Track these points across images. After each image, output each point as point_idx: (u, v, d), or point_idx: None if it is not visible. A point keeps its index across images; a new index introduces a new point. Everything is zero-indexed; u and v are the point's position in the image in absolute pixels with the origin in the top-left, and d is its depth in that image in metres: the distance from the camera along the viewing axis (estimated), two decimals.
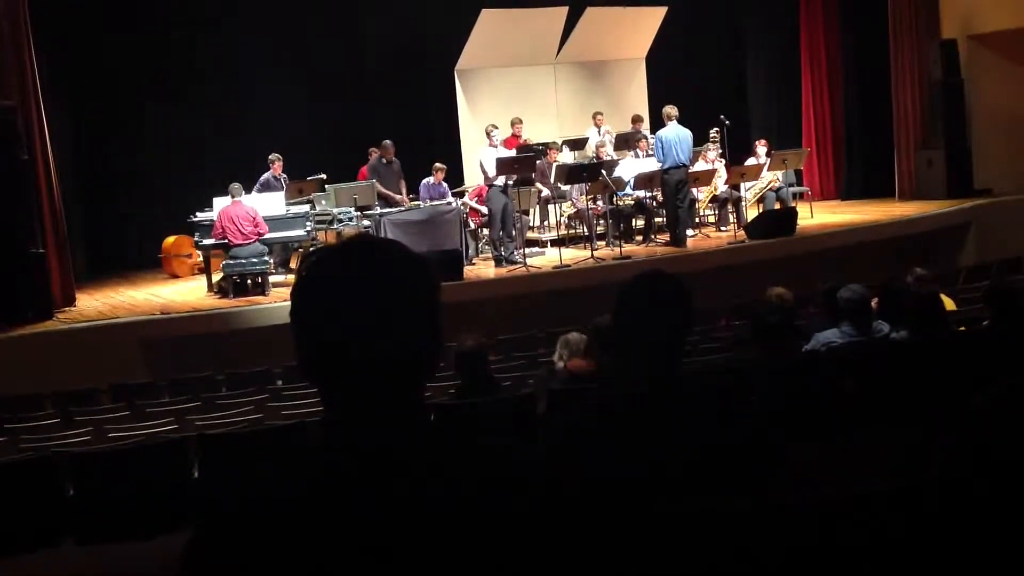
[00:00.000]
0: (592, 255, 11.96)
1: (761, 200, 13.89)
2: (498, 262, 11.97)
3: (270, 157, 12.78)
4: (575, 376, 5.57)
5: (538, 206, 13.68)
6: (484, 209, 12.35)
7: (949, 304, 6.67)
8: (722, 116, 13.39)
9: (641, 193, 12.89)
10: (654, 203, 12.94)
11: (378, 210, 11.82)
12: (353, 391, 1.37)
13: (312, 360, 1.39)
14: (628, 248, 12.37)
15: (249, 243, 10.96)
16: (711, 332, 8.56)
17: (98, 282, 13.12)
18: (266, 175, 12.71)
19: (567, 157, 13.82)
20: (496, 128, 12.35)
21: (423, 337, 1.39)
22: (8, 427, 6.69)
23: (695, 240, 12.85)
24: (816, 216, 14.24)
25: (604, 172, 12.13)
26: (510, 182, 11.75)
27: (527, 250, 12.33)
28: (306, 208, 12.00)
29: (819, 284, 7.35)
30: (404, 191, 12.69)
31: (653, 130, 13.26)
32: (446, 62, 14.76)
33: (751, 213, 13.61)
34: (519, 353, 8.43)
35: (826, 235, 13.01)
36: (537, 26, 14.71)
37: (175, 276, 13.33)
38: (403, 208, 12.19)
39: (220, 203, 11.31)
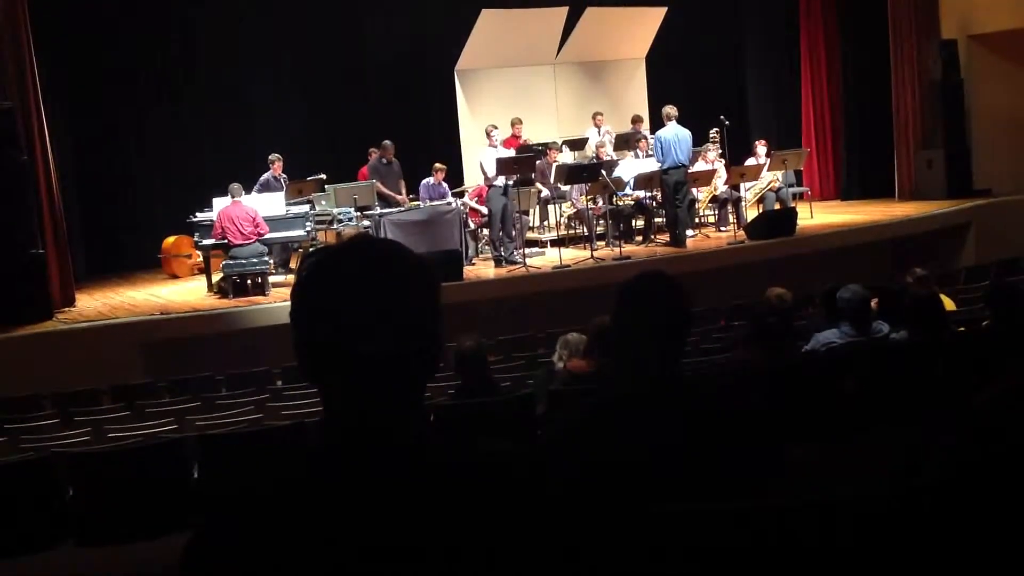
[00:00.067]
0: (592, 255, 11.96)
1: (761, 200, 13.89)
2: (498, 262, 11.97)
3: (270, 157, 12.79)
4: (575, 376, 5.58)
5: (538, 206, 13.68)
6: (484, 209, 12.35)
7: (949, 304, 6.67)
8: (722, 116, 13.39)
9: (641, 193, 12.90)
10: (654, 203, 12.95)
11: (378, 210, 11.82)
12: (353, 391, 1.37)
13: (312, 360, 1.39)
14: (628, 248, 12.37)
15: (249, 243, 10.97)
16: (711, 332, 8.56)
17: (98, 282, 13.12)
18: (266, 175, 12.71)
19: (567, 157, 13.82)
20: (496, 128, 12.35)
21: (423, 337, 1.39)
22: (8, 427, 6.69)
23: (695, 240, 12.85)
24: (816, 216, 14.24)
25: (604, 172, 12.13)
26: (510, 182, 11.75)
27: (527, 250, 12.33)
28: (306, 208, 12.00)
29: (819, 284, 7.36)
30: (404, 191, 12.69)
31: (653, 130, 13.26)
32: (446, 62, 14.76)
33: (751, 213, 13.62)
34: (519, 353, 8.44)
35: (826, 235, 13.01)
36: (537, 26, 14.71)
37: (175, 276, 13.33)
38: (403, 208, 12.19)
39: (220, 203, 11.32)
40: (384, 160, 12.65)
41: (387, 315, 1.36)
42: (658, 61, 16.32)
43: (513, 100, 14.59)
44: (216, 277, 11.49)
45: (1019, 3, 14.18)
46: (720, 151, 13.59)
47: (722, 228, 13.49)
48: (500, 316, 10.50)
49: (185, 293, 11.90)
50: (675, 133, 11.84)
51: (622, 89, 16.01)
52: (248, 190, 11.85)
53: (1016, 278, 8.77)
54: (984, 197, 14.45)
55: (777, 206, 13.67)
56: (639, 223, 13.49)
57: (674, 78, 16.27)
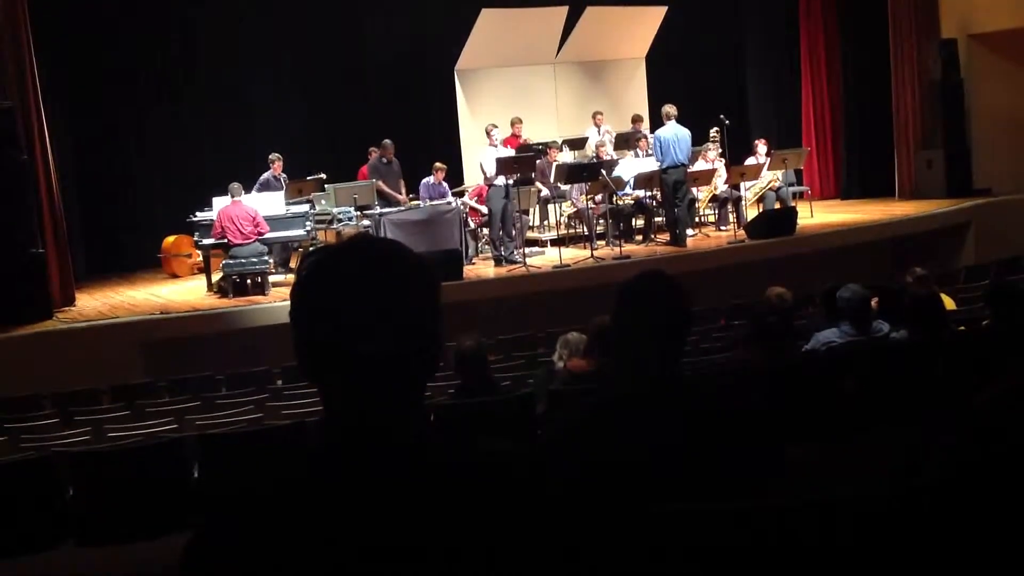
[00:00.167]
0: (592, 255, 11.96)
1: (761, 200, 13.89)
2: (498, 262, 11.97)
3: (270, 157, 12.79)
4: (575, 376, 5.58)
5: (538, 206, 13.68)
6: (484, 209, 12.35)
7: (949, 304, 6.67)
8: (722, 116, 13.40)
9: (641, 193, 12.90)
10: (654, 203, 12.95)
11: (378, 210, 11.82)
12: (353, 391, 1.37)
13: (312, 360, 1.39)
14: (628, 248, 12.37)
15: (249, 243, 10.96)
16: (711, 332, 8.56)
17: (98, 282, 13.12)
18: (266, 175, 12.71)
19: (567, 157, 13.82)
20: (496, 127, 12.36)
21: (423, 337, 1.39)
22: (8, 427, 6.69)
23: (695, 240, 12.85)
24: (816, 216, 14.25)
25: (604, 172, 12.13)
26: (510, 182, 11.75)
27: (527, 250, 12.33)
28: (306, 208, 12.00)
29: (819, 284, 7.36)
30: (404, 191, 12.69)
31: (653, 130, 13.25)
32: (446, 62, 14.76)
33: (751, 213, 13.62)
34: (519, 353, 8.44)
35: (826, 235, 13.01)
36: (537, 26, 14.71)
37: (175, 276, 13.33)
38: (403, 208, 12.19)
39: (220, 203, 11.32)
40: (384, 159, 12.65)
41: (387, 315, 1.36)
42: (658, 60, 16.32)
43: (513, 100, 14.59)
44: (216, 277, 11.49)
45: (1019, 3, 14.18)
46: (720, 150, 13.59)
47: (722, 227, 13.48)
48: (500, 315, 10.50)
49: (185, 293, 11.90)
50: (674, 132, 11.84)
51: (622, 88, 16.01)
52: (248, 189, 11.85)
53: (1016, 277, 8.77)
54: (984, 196, 14.45)
55: (777, 205, 13.67)
56: (639, 222, 13.49)
57: (674, 77, 16.27)
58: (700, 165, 13.25)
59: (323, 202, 11.96)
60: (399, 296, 1.37)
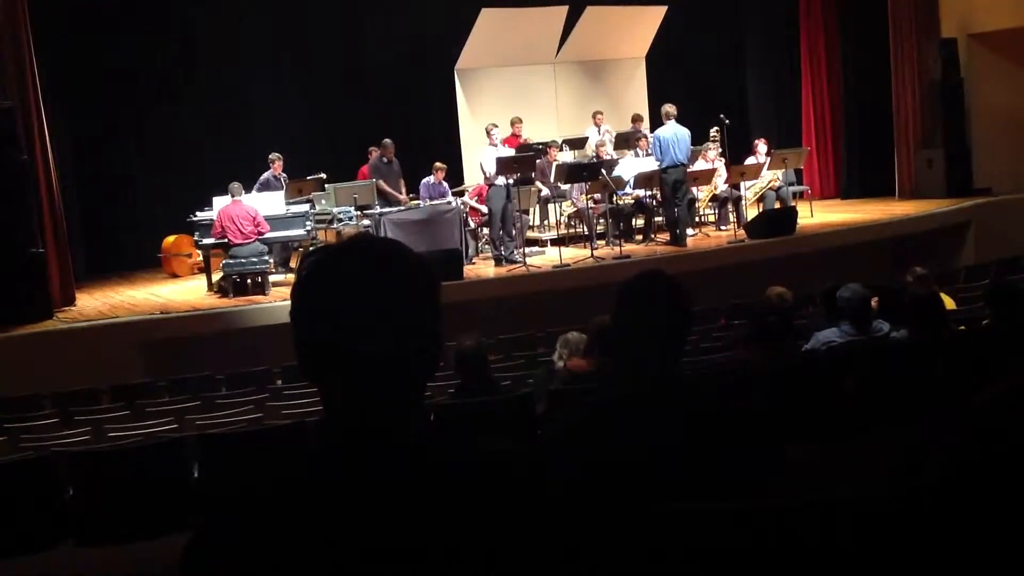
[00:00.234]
0: (592, 254, 11.96)
1: (761, 199, 13.89)
2: (498, 261, 11.97)
3: (270, 156, 12.79)
4: (575, 375, 5.58)
5: (538, 205, 13.68)
6: (484, 208, 12.35)
7: (949, 303, 6.68)
8: (722, 115, 13.40)
9: (641, 192, 12.90)
10: (654, 202, 12.95)
11: (378, 209, 11.82)
12: (353, 391, 1.37)
13: (312, 360, 1.39)
14: (628, 247, 12.37)
15: (249, 242, 10.96)
16: (711, 331, 8.56)
17: (98, 282, 13.13)
18: (266, 174, 12.71)
19: (567, 156, 13.82)
20: (496, 127, 12.36)
21: (423, 337, 1.39)
22: (8, 427, 6.69)
23: (695, 239, 12.85)
24: (816, 215, 14.25)
25: (604, 171, 12.13)
26: (510, 181, 11.75)
27: (527, 249, 12.33)
28: (306, 207, 12.00)
29: (819, 283, 7.36)
30: (404, 190, 12.69)
31: (653, 129, 13.25)
32: (446, 62, 14.76)
33: (751, 212, 13.62)
34: (519, 353, 8.44)
35: (826, 234, 13.02)
36: (537, 25, 14.71)
37: (175, 276, 13.33)
38: (403, 207, 12.19)
39: (220, 202, 11.32)
40: (384, 159, 12.65)
41: (387, 314, 1.36)
42: (658, 60, 16.32)
43: (513, 99, 14.59)
44: (216, 276, 11.49)
45: (1019, 2, 14.17)
46: (720, 150, 13.59)
47: (722, 227, 13.49)
48: (500, 315, 10.50)
49: (185, 292, 11.90)
50: (674, 132, 11.84)
51: (622, 88, 16.01)
52: (248, 189, 11.85)
53: (1016, 277, 8.77)
54: (984, 196, 14.45)
55: (777, 205, 13.67)
56: (639, 222, 13.49)
57: (674, 77, 16.27)
58: (700, 165, 13.25)
59: (323, 202, 11.96)
60: (399, 296, 1.37)
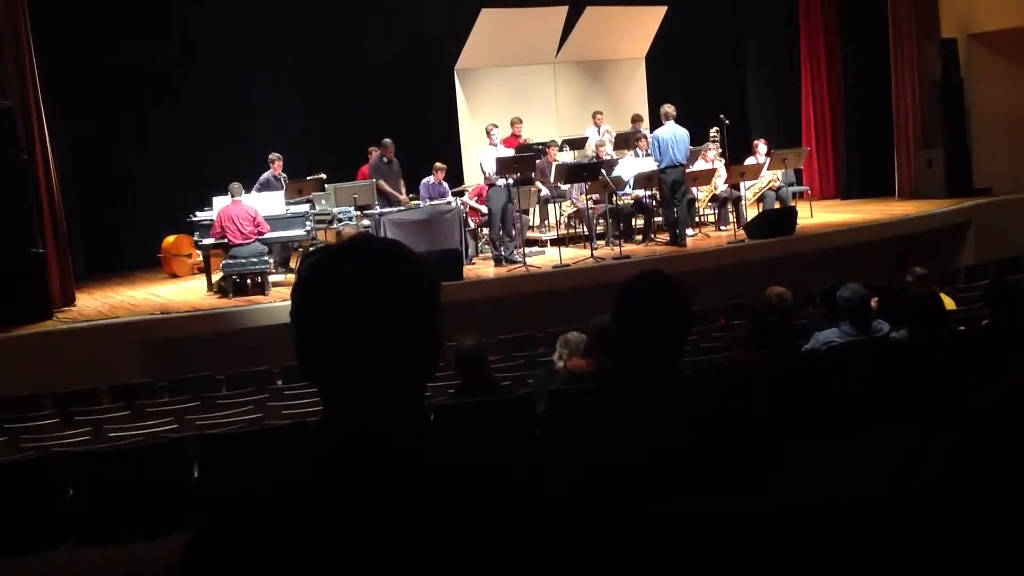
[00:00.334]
0: (592, 254, 11.96)
1: (761, 199, 13.89)
2: (498, 262, 11.97)
3: (270, 156, 12.79)
4: (575, 375, 5.58)
5: (538, 205, 13.68)
6: (484, 208, 12.35)
7: (949, 303, 6.67)
8: (722, 115, 13.39)
9: (641, 192, 12.90)
10: (654, 202, 12.95)
11: (378, 209, 11.82)
12: (353, 391, 1.37)
13: (312, 360, 1.39)
14: (628, 247, 12.37)
15: (249, 243, 10.96)
16: (711, 332, 8.56)
17: (98, 282, 13.12)
18: (266, 174, 12.71)
19: (567, 156, 13.82)
20: (496, 127, 12.37)
21: (423, 337, 1.39)
22: (8, 427, 6.69)
23: (695, 240, 12.86)
24: (816, 215, 14.25)
25: (604, 171, 12.13)
26: (510, 182, 11.74)
27: (527, 249, 12.33)
28: (306, 207, 12.00)
29: (819, 283, 7.36)
30: (404, 190, 12.69)
31: (653, 129, 13.26)
32: (446, 62, 14.76)
33: (751, 212, 13.62)
34: (519, 353, 8.44)
35: (826, 234, 13.02)
36: (537, 26, 14.71)
37: (175, 276, 13.33)
38: (403, 208, 12.19)
39: (220, 202, 11.32)
40: (385, 159, 12.65)
41: (387, 314, 1.36)
42: (658, 60, 16.32)
43: (513, 99, 14.60)
44: (216, 276, 11.49)
45: (1019, 2, 14.17)
46: (720, 150, 13.59)
47: (722, 227, 13.49)
48: (500, 315, 10.50)
49: (185, 292, 11.90)
50: (673, 133, 11.85)
51: (622, 88, 16.01)
52: (248, 189, 11.85)
53: (1016, 277, 8.77)
54: (984, 196, 14.45)
55: (777, 205, 13.67)
56: (639, 222, 13.49)
57: (674, 77, 16.28)
58: (700, 165, 13.25)
59: (323, 202, 11.96)
60: (399, 296, 1.37)
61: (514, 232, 12.04)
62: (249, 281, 11.06)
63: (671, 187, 11.97)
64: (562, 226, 13.18)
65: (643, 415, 2.28)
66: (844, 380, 5.01)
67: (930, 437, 3.03)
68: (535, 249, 12.86)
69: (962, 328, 6.17)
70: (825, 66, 16.61)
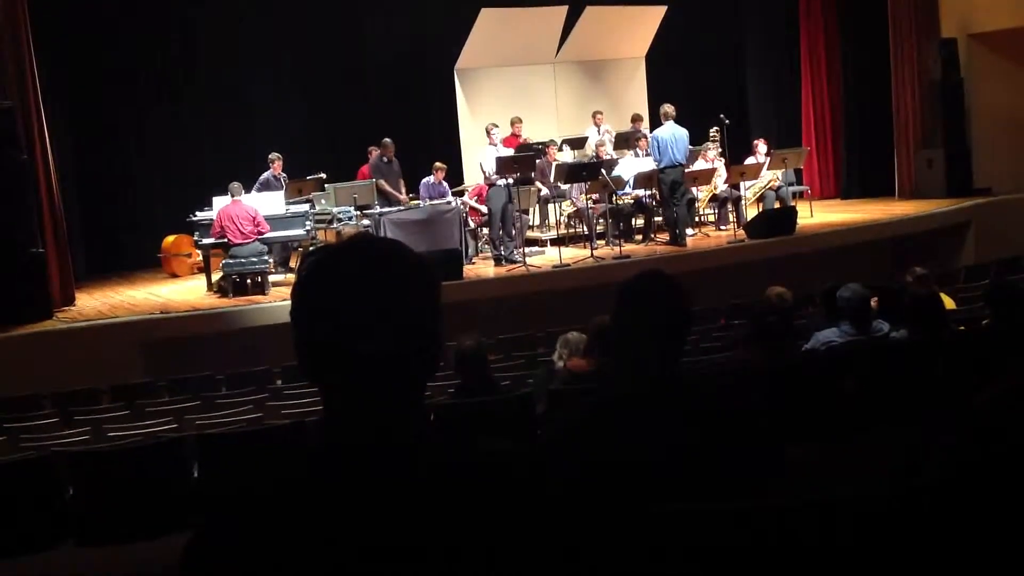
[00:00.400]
0: (592, 254, 11.96)
1: (761, 199, 13.89)
2: (498, 261, 11.97)
3: (270, 156, 12.79)
4: (575, 375, 5.58)
5: (538, 205, 13.68)
6: (484, 208, 12.35)
7: (949, 303, 6.68)
8: (722, 115, 13.39)
9: (641, 192, 12.90)
10: (654, 202, 12.95)
11: (377, 209, 11.82)
12: (353, 391, 1.37)
13: (312, 359, 1.39)
14: (628, 247, 12.37)
15: (249, 242, 10.96)
16: (710, 332, 8.56)
17: (97, 282, 13.12)
18: (266, 174, 12.70)
19: (567, 156, 13.82)
20: (496, 126, 12.37)
21: (423, 337, 1.39)
22: (8, 426, 6.69)
23: (695, 239, 12.86)
24: (816, 215, 14.25)
25: (604, 171, 12.13)
26: (510, 181, 11.74)
27: (527, 249, 12.33)
28: (306, 207, 12.00)
29: (819, 283, 7.36)
30: (404, 190, 12.69)
31: (653, 129, 13.26)
32: (446, 62, 14.76)
33: (751, 212, 13.62)
34: (519, 352, 8.44)
35: (826, 234, 13.01)
36: (537, 25, 14.71)
37: (174, 275, 13.33)
38: (403, 207, 12.19)
39: (220, 202, 11.32)
40: (385, 158, 12.64)
41: (387, 314, 1.36)
42: (658, 60, 16.32)
43: (513, 99, 14.59)
44: (216, 276, 11.49)
45: (1019, 2, 14.17)
46: (720, 150, 13.59)
47: (722, 227, 13.49)
48: (500, 315, 10.50)
49: (185, 292, 11.90)
50: (672, 132, 11.85)
51: (622, 88, 16.01)
52: (248, 189, 11.85)
53: (1016, 277, 8.77)
54: (984, 196, 14.45)
55: (777, 205, 13.67)
56: (639, 222, 13.49)
57: (674, 77, 16.27)
58: (700, 164, 13.25)
59: (323, 202, 11.96)
60: (399, 296, 1.37)
61: (514, 232, 12.04)
62: (249, 281, 11.06)
63: (670, 187, 11.97)
64: (562, 226, 13.17)
65: (643, 415, 2.28)
66: (844, 380, 5.01)
67: (930, 437, 3.03)
68: (535, 249, 12.86)
69: (962, 328, 6.17)
70: (825, 66, 16.60)
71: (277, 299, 10.53)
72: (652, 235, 13.04)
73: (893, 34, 15.28)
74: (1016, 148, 14.79)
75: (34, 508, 4.62)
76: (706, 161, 13.40)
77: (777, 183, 13.82)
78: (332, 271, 1.39)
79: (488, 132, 12.22)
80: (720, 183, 13.38)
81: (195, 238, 11.87)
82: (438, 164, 12.58)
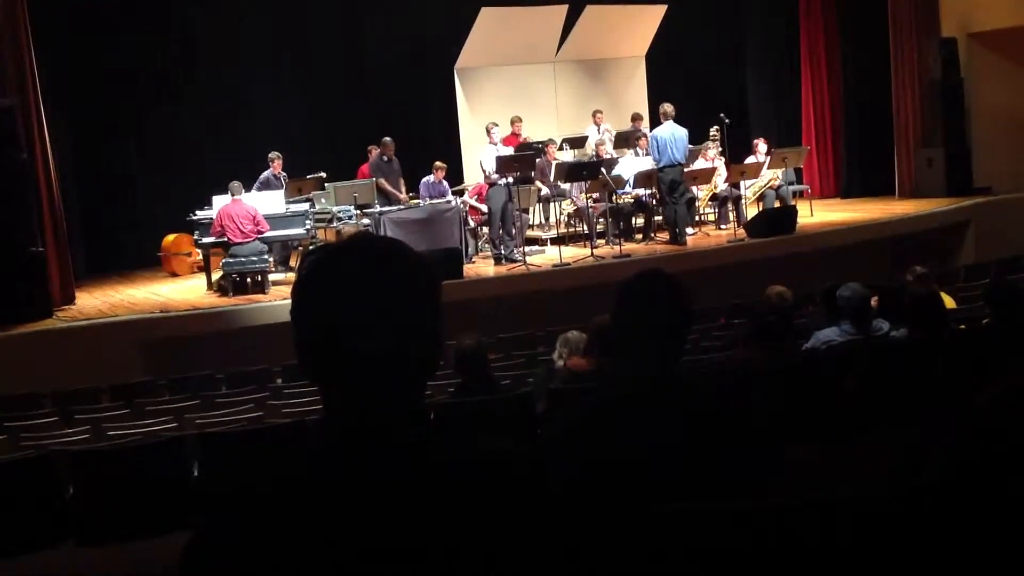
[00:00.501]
0: (592, 253, 11.96)
1: (761, 198, 13.89)
2: (498, 260, 11.97)
3: (270, 155, 12.79)
4: (575, 374, 5.57)
5: (538, 204, 13.68)
6: (484, 207, 12.35)
7: (949, 302, 6.67)
8: (722, 114, 13.40)
9: (641, 191, 12.90)
10: (654, 201, 12.95)
11: (377, 208, 11.82)
12: (353, 390, 1.37)
13: (312, 358, 1.39)
14: (628, 246, 12.37)
15: (249, 241, 10.96)
16: (711, 331, 8.56)
17: (98, 281, 13.13)
18: (266, 173, 12.70)
19: (566, 155, 13.82)
20: (496, 126, 12.37)
21: (423, 336, 1.39)
22: (8, 426, 6.69)
23: (695, 238, 12.86)
24: (816, 214, 14.25)
25: (604, 170, 12.13)
26: (510, 180, 11.74)
27: (527, 248, 12.33)
28: (306, 206, 11.99)
29: (819, 282, 7.36)
30: (404, 189, 12.69)
31: (653, 128, 13.26)
32: (446, 61, 14.77)
33: (751, 211, 13.61)
34: (519, 352, 8.44)
35: (826, 233, 13.01)
36: (537, 24, 14.71)
37: (174, 274, 13.33)
38: (403, 206, 12.19)
39: (220, 201, 11.32)
40: (385, 157, 12.64)
41: (387, 313, 1.36)
42: (658, 59, 16.32)
43: (513, 98, 14.60)
44: (216, 275, 11.49)
45: (1019, 2, 14.17)
46: (720, 149, 13.59)
47: (722, 226, 13.49)
48: (500, 314, 10.50)
49: (185, 291, 11.90)
50: (671, 132, 11.86)
51: (622, 87, 16.01)
52: (248, 188, 11.85)
53: (1016, 276, 8.77)
54: (984, 195, 14.46)
55: (777, 204, 13.68)
56: (639, 221, 13.49)
57: (674, 76, 16.27)
58: (700, 164, 13.26)
59: (323, 201, 11.96)
60: (399, 295, 1.37)
61: (514, 231, 12.04)
62: (249, 280, 11.06)
63: (669, 186, 11.98)
64: (562, 225, 13.18)
65: (643, 415, 2.28)
66: (844, 380, 5.01)
67: (930, 437, 3.03)
68: (535, 248, 12.86)
69: (962, 327, 6.17)
70: (825, 66, 16.60)
71: (277, 298, 10.53)
72: (652, 234, 13.04)
73: (893, 34, 15.28)
74: (1016, 148, 14.79)
75: (34, 507, 4.62)
76: (706, 160, 13.40)
77: (777, 182, 13.83)
78: (332, 270, 1.39)
79: (488, 131, 12.22)
80: (720, 182, 13.38)
81: (195, 237, 11.87)
82: (438, 163, 12.58)
